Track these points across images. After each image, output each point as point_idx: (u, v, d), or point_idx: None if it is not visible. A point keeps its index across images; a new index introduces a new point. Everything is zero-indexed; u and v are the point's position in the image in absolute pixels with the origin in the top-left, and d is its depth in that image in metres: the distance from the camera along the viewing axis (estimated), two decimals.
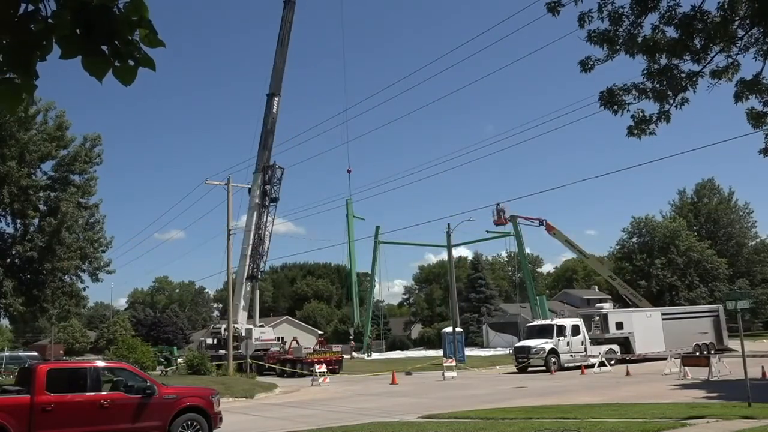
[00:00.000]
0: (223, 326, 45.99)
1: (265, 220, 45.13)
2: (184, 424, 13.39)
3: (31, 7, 2.63)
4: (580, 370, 31.65)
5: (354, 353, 58.72)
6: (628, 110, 8.41)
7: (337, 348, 45.21)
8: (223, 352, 40.02)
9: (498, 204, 52.70)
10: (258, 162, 45.20)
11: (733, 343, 38.69)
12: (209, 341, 46.44)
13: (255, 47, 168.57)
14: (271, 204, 45.35)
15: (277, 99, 45.63)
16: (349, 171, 52.00)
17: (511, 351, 37.85)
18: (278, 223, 47.85)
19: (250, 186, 44.69)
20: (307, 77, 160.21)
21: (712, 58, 7.94)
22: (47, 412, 12.03)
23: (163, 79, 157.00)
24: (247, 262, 44.22)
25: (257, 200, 44.74)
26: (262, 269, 47.28)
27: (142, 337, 54.69)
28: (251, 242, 44.22)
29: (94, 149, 31.19)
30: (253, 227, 44.37)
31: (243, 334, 41.86)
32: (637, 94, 8.27)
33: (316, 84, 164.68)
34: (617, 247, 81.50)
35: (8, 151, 28.10)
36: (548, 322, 38.16)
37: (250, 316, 48.16)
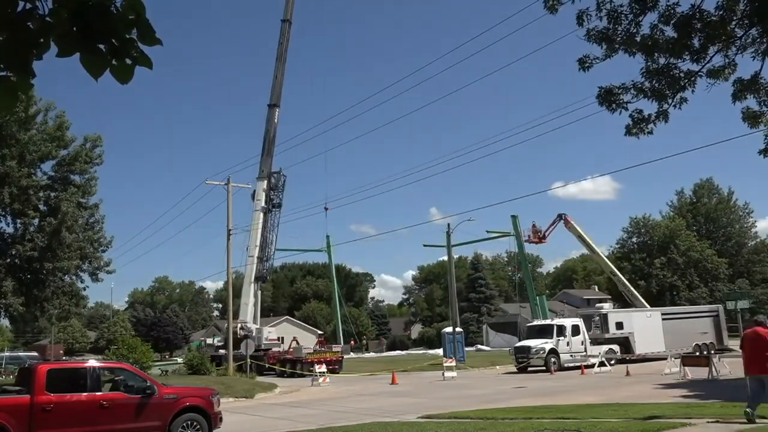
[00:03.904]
0: (237, 325, 45.31)
1: (270, 224, 45.96)
2: (184, 424, 13.38)
3: (28, 5, 2.63)
4: (580, 370, 31.62)
5: (352, 353, 59.84)
6: (626, 109, 8.41)
7: (337, 348, 45.24)
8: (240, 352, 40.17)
9: (534, 223, 52.38)
10: (261, 169, 45.93)
11: (733, 343, 38.67)
12: (217, 341, 46.38)
13: (256, 48, 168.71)
14: (275, 209, 46.18)
15: (277, 110, 46.77)
16: (326, 209, 47.83)
17: (511, 351, 37.83)
18: (280, 223, 47.89)
19: (253, 191, 45.37)
20: (305, 81, 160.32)
21: (711, 57, 7.94)
22: (47, 412, 12.03)
23: (164, 78, 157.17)
24: (255, 263, 44.77)
25: (263, 203, 45.45)
26: (267, 270, 47.80)
27: (142, 337, 54.67)
28: (257, 244, 44.81)
29: (94, 150, 31.23)
30: (259, 229, 44.92)
31: (254, 333, 42.57)
32: (635, 93, 8.27)
33: (314, 86, 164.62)
34: (617, 247, 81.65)
35: (8, 151, 28.12)
36: (548, 322, 38.12)
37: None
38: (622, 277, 55.61)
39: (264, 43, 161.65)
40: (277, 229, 46.41)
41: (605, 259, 58.44)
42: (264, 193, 45.53)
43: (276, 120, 46.44)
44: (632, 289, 53.82)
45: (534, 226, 52.34)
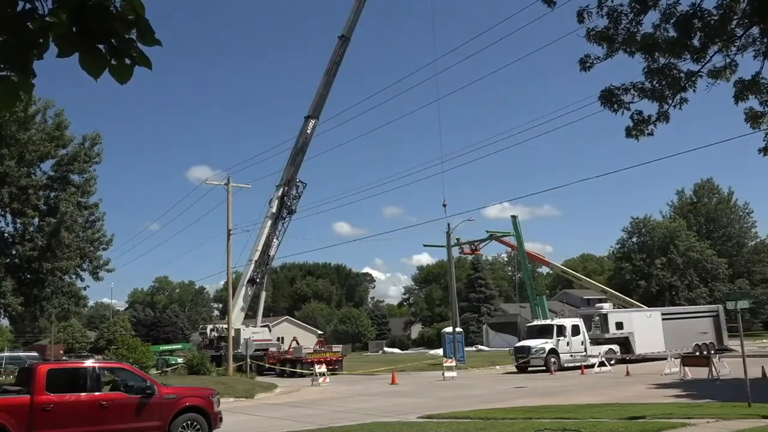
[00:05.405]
0: (209, 327, 47.39)
1: (278, 229, 46.01)
2: (184, 424, 13.37)
3: (28, 6, 2.62)
4: (580, 370, 31.63)
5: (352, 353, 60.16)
6: (629, 109, 8.39)
7: (337, 348, 45.24)
8: (218, 352, 40.88)
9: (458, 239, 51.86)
10: (283, 176, 45.99)
11: (733, 343, 38.68)
12: (201, 341, 47.36)
13: (257, 49, 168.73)
14: (288, 216, 46.22)
15: (313, 122, 46.37)
16: (444, 205, 44.63)
17: (511, 351, 37.86)
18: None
19: (271, 197, 45.59)
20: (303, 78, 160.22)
21: (711, 57, 7.92)
22: (47, 412, 12.02)
23: (164, 77, 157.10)
24: (252, 267, 44.76)
25: (273, 210, 45.45)
26: (263, 272, 47.66)
27: (142, 337, 54.66)
28: (260, 249, 44.78)
29: (93, 148, 31.18)
30: (265, 235, 44.97)
31: (233, 335, 42.32)
32: (635, 93, 8.25)
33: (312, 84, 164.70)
34: (617, 247, 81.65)
35: (7, 151, 28.09)
36: (548, 322, 38.09)
37: (250, 317, 48.40)
38: (612, 291, 56.03)
39: (264, 43, 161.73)
40: (283, 234, 46.67)
41: (558, 264, 59.01)
42: (277, 201, 45.49)
43: (310, 131, 46.13)
44: (625, 298, 53.89)
45: (458, 240, 52.08)
